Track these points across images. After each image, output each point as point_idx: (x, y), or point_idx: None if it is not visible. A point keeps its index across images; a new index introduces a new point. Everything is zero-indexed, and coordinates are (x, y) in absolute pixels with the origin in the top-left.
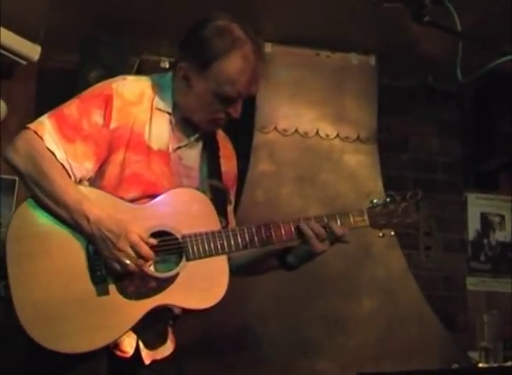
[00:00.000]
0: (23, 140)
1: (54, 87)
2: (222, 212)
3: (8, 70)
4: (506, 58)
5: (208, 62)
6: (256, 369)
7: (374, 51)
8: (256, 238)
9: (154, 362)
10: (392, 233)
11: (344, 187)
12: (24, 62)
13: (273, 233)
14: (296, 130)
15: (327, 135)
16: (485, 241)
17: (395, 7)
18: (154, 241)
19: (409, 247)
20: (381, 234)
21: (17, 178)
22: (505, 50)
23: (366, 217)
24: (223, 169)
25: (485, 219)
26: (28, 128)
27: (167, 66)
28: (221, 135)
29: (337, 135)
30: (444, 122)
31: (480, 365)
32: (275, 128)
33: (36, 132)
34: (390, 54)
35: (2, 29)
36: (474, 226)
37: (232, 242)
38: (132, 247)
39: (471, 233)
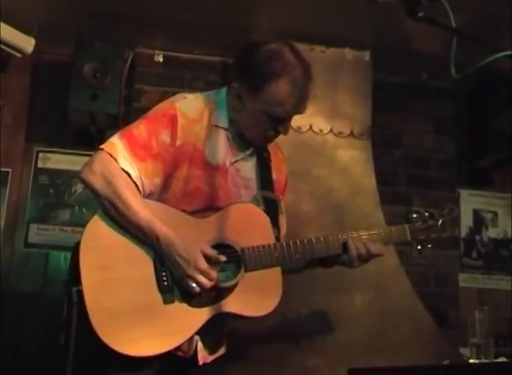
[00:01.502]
0: (98, 161)
1: (48, 79)
2: (274, 222)
3: (2, 63)
4: (500, 55)
5: (259, 85)
6: (247, 365)
7: (368, 46)
8: (307, 251)
9: (205, 364)
10: (429, 246)
11: (337, 182)
12: (18, 55)
13: (323, 247)
14: (290, 125)
15: (320, 130)
16: (478, 237)
17: (389, 3)
18: (223, 259)
19: (401, 243)
20: (419, 247)
21: (10, 170)
22: (499, 47)
23: (408, 232)
24: (274, 177)
25: (477, 215)
26: (102, 149)
27: (161, 59)
28: (272, 144)
29: (331, 130)
30: (438, 118)
31: (471, 361)
32: None
33: (110, 153)
34: (385, 50)
35: None
36: (466, 222)
37: (287, 255)
38: (202, 274)
39: (464, 230)
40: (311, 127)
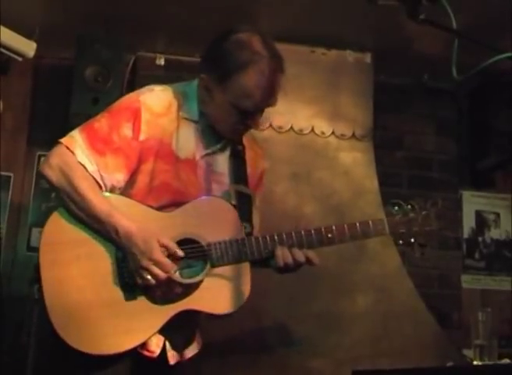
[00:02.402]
0: (56, 155)
1: (49, 83)
2: (247, 217)
3: (3, 67)
4: (501, 56)
5: (226, 75)
6: (251, 367)
7: (369, 48)
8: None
9: (178, 363)
10: (412, 240)
11: (339, 184)
12: (20, 59)
13: (295, 241)
14: (292, 127)
15: (322, 132)
16: (480, 238)
17: (391, 5)
18: (181, 253)
19: (403, 244)
20: (401, 242)
21: (13, 174)
22: (500, 48)
23: (386, 226)
24: (248, 171)
25: (480, 216)
26: (60, 143)
27: (162, 63)
28: (248, 137)
29: (332, 132)
30: (439, 120)
31: (474, 362)
32: (271, 125)
33: (68, 147)
34: (386, 51)
35: None
36: (469, 223)
37: (255, 249)
38: (156, 265)
39: (466, 231)
40: (312, 130)
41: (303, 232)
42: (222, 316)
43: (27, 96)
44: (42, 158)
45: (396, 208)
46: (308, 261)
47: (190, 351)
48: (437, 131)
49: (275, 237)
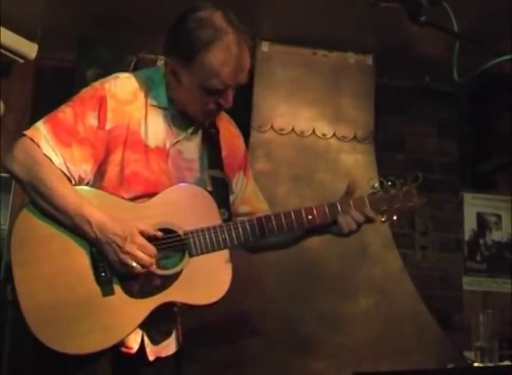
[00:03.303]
0: (20, 148)
1: (51, 85)
2: (224, 203)
3: (5, 68)
4: (502, 59)
5: (191, 56)
6: (252, 368)
7: (371, 50)
8: (257, 230)
9: (158, 359)
10: (395, 217)
11: (341, 186)
12: (21, 61)
13: (274, 225)
14: (293, 130)
15: (324, 134)
16: (481, 240)
17: (392, 7)
18: (160, 234)
19: (405, 246)
20: (383, 219)
21: None
22: (501, 50)
23: (367, 203)
24: (224, 153)
25: (481, 218)
26: (24, 135)
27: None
28: (223, 118)
29: (334, 134)
30: (441, 122)
31: (475, 364)
32: (272, 127)
33: (32, 139)
34: (387, 54)
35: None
36: (470, 225)
37: (234, 235)
38: (139, 249)
39: (467, 233)
40: (313, 131)
41: (282, 214)
42: (204, 307)
43: (29, 98)
44: None
45: (377, 185)
46: (368, 219)
47: (169, 348)
48: (438, 133)
49: (254, 221)
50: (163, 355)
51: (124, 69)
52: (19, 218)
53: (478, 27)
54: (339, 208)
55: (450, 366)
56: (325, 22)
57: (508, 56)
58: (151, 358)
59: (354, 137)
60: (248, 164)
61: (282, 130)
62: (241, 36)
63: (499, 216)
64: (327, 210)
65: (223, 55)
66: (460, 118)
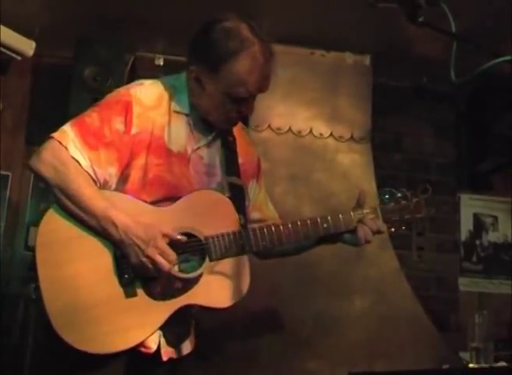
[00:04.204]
0: (48, 149)
1: (49, 83)
2: (240, 209)
3: (3, 66)
4: (500, 60)
5: (217, 65)
6: (247, 368)
7: (369, 51)
8: (275, 237)
9: (170, 360)
10: (403, 228)
11: (337, 186)
12: (19, 58)
13: (291, 232)
14: (290, 129)
15: (321, 134)
16: (478, 241)
17: (390, 7)
18: (184, 238)
19: (401, 247)
20: (393, 230)
21: (11, 173)
22: (499, 51)
23: (379, 214)
24: (240, 161)
25: (477, 219)
26: (52, 137)
27: (161, 63)
28: (238, 125)
29: (331, 134)
30: (438, 122)
31: (471, 365)
32: (269, 126)
33: (60, 141)
34: (385, 54)
35: None
36: (466, 226)
37: (253, 241)
38: (160, 254)
39: (464, 234)
40: (311, 131)
41: (299, 222)
42: (223, 310)
43: (26, 95)
44: None
45: (387, 196)
46: (379, 230)
47: (184, 349)
48: (435, 134)
49: (272, 228)
50: (176, 356)
51: (121, 67)
52: (45, 219)
53: (475, 28)
54: (353, 217)
55: (446, 366)
56: (323, 22)
57: (506, 57)
58: (165, 358)
59: (351, 137)
60: (261, 172)
61: (279, 129)
62: (266, 47)
63: (495, 217)
64: (342, 219)
65: (249, 64)
66: (458, 119)
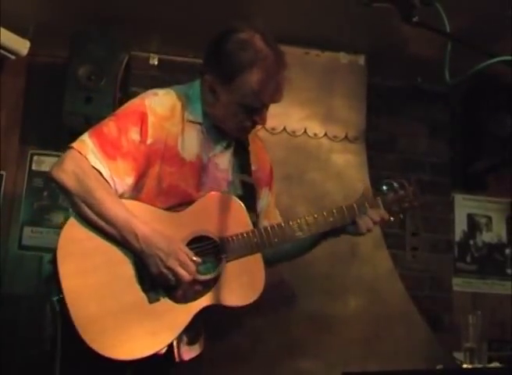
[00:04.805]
0: (69, 159)
1: (43, 82)
2: (252, 207)
3: None
4: (494, 60)
5: (231, 76)
6: (241, 367)
7: (363, 50)
8: (287, 232)
9: (181, 361)
10: (401, 216)
11: (331, 186)
12: (13, 57)
13: (303, 226)
14: (285, 129)
15: (315, 134)
16: (472, 242)
17: (385, 7)
18: (199, 260)
19: (395, 247)
20: (392, 219)
21: (5, 173)
22: (494, 51)
23: (381, 204)
24: (253, 168)
25: (471, 220)
26: (72, 147)
27: (156, 62)
28: (252, 134)
29: (325, 134)
30: (432, 122)
31: (464, 365)
32: (263, 126)
33: (80, 151)
34: (379, 54)
35: None
36: (460, 227)
37: (266, 240)
38: (181, 265)
39: (458, 234)
40: (305, 131)
41: (306, 217)
42: (242, 308)
43: (20, 94)
44: (35, 157)
45: (385, 187)
46: (382, 219)
47: (194, 351)
48: (430, 134)
49: (283, 225)
50: (186, 358)
51: (116, 66)
52: (65, 229)
53: (470, 28)
54: (356, 209)
55: (439, 366)
56: (317, 21)
57: (500, 58)
58: (178, 360)
59: (346, 137)
60: (273, 180)
61: (273, 129)
62: (279, 57)
63: (489, 218)
64: (346, 212)
65: (263, 76)
66: (452, 119)
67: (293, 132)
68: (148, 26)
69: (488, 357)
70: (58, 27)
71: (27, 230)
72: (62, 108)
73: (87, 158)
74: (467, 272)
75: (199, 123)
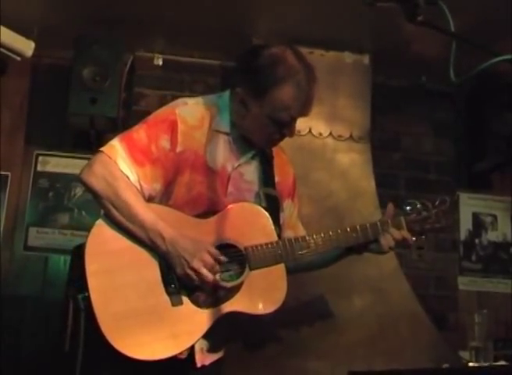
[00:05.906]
0: (99, 163)
1: (47, 83)
2: (275, 219)
3: (1, 66)
4: (498, 59)
5: (263, 90)
6: (246, 368)
7: (368, 50)
8: (312, 247)
9: (202, 366)
10: (423, 237)
11: (336, 185)
12: (18, 58)
13: (326, 241)
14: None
15: (320, 134)
16: (477, 240)
17: (389, 6)
18: (224, 259)
19: (401, 246)
20: (414, 239)
21: (10, 173)
22: (498, 50)
23: (404, 224)
24: (276, 179)
25: (476, 218)
26: (101, 152)
27: (160, 63)
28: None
29: (330, 134)
30: (437, 121)
31: (470, 364)
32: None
33: (109, 156)
34: (384, 53)
35: None
36: (465, 225)
37: (290, 252)
38: (205, 266)
39: (463, 233)
40: (310, 131)
41: (331, 233)
42: (263, 316)
43: (25, 95)
44: (40, 158)
45: (409, 207)
46: (404, 239)
47: (217, 355)
48: (434, 133)
49: (307, 238)
50: (207, 362)
51: (120, 67)
52: (94, 229)
53: (474, 27)
54: (380, 227)
55: (445, 365)
56: (321, 21)
57: (504, 56)
58: (199, 364)
59: (350, 136)
60: (296, 191)
61: None
62: (310, 72)
63: (494, 216)
64: (369, 229)
65: (294, 91)
66: (456, 118)
67: (298, 131)
68: (153, 27)
69: (494, 356)
70: (62, 28)
71: (33, 231)
72: (66, 109)
73: (116, 163)
74: (472, 271)
75: (226, 133)
